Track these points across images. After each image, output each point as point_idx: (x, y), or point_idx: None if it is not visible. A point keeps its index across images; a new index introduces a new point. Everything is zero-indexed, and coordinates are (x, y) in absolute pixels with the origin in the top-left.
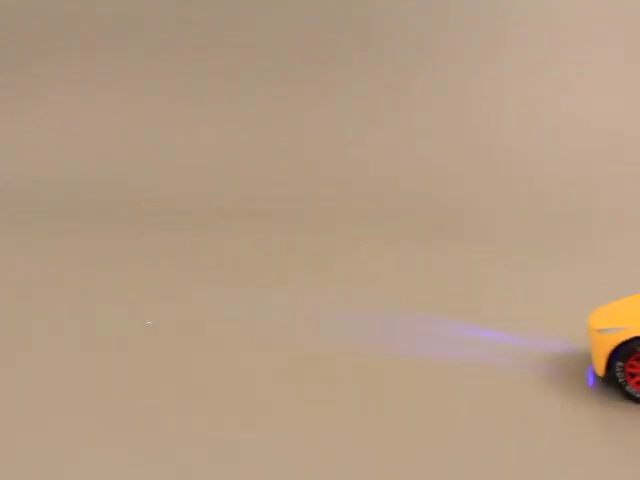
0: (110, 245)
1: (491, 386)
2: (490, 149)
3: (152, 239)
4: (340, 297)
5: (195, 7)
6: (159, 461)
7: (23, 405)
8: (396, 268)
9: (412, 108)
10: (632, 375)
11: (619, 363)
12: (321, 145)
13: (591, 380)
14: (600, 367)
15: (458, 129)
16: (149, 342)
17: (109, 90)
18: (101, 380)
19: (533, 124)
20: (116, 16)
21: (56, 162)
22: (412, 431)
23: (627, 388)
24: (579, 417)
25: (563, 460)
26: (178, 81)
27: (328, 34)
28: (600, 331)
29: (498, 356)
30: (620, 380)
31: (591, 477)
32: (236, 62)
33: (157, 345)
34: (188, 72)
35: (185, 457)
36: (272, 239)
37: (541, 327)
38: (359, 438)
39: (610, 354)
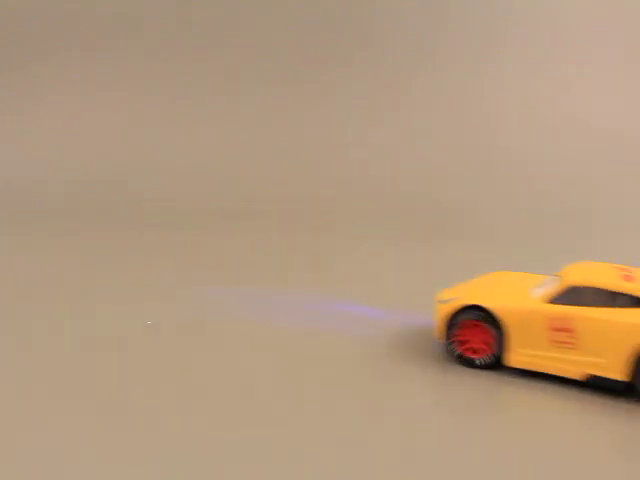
0: (110, 245)
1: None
2: (490, 149)
3: (152, 239)
4: (340, 297)
5: (195, 7)
6: (159, 461)
7: (23, 405)
8: (396, 268)
9: (412, 108)
10: (461, 342)
11: (451, 329)
12: (321, 145)
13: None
14: (440, 334)
15: (458, 129)
16: (149, 342)
17: (109, 90)
18: (101, 380)
19: (533, 124)
20: (116, 16)
21: (56, 162)
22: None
23: (456, 352)
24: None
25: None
26: (178, 81)
27: (328, 34)
28: (439, 301)
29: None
30: (451, 345)
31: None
32: (236, 62)
33: (157, 345)
34: (188, 72)
35: (185, 457)
36: (272, 239)
37: None
38: (360, 438)
39: (447, 321)
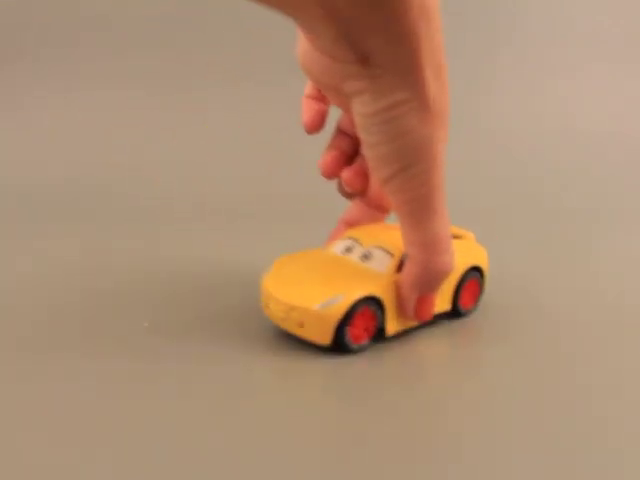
0: (109, 245)
1: None
2: (490, 149)
3: (151, 239)
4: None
5: (195, 7)
6: (159, 461)
7: (22, 406)
8: None
9: None
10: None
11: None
12: (321, 145)
13: None
14: (326, 338)
15: (458, 129)
16: (149, 342)
17: (109, 90)
18: (100, 380)
19: (534, 124)
20: (115, 15)
21: (55, 162)
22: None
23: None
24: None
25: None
26: (177, 80)
27: None
28: (321, 306)
29: None
30: (349, 342)
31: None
32: (238, 61)
33: (157, 345)
34: (188, 71)
35: (185, 457)
36: (272, 239)
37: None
38: (365, 439)
39: (337, 324)
